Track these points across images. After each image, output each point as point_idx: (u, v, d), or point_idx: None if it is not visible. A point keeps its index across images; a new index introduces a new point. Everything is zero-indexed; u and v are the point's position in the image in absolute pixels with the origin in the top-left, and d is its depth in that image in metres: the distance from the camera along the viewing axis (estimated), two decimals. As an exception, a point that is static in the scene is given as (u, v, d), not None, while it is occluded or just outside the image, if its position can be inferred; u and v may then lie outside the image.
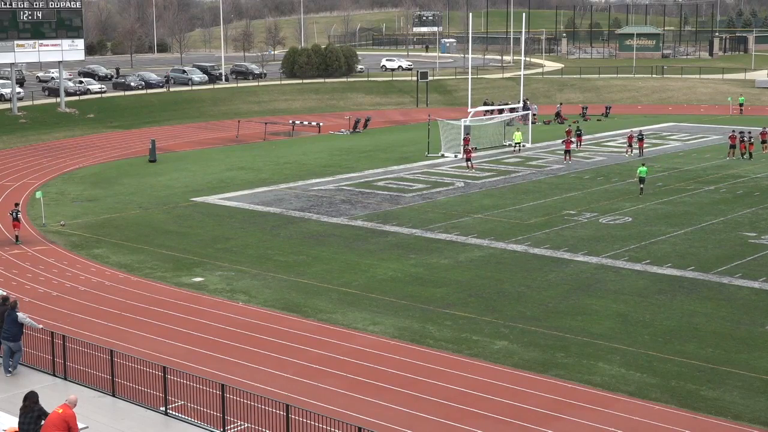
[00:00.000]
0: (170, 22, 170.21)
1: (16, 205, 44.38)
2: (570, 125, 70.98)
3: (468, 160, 61.93)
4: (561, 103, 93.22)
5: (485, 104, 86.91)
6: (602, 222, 45.52)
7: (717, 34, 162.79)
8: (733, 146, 65.62)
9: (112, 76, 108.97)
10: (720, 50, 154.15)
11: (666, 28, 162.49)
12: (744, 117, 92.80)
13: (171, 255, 40.01)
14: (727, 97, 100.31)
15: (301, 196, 52.67)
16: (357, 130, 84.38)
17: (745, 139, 65.82)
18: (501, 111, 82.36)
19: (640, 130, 73.05)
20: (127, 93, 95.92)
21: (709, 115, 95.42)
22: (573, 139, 66.46)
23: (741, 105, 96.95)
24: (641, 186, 52.46)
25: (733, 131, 67.20)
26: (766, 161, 63.89)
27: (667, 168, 61.16)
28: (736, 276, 35.83)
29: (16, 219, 42.73)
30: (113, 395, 24.05)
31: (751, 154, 65.12)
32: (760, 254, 39.09)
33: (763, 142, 67.46)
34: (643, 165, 54.08)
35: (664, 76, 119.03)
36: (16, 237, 42.72)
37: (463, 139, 66.38)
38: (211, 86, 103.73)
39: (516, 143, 69.34)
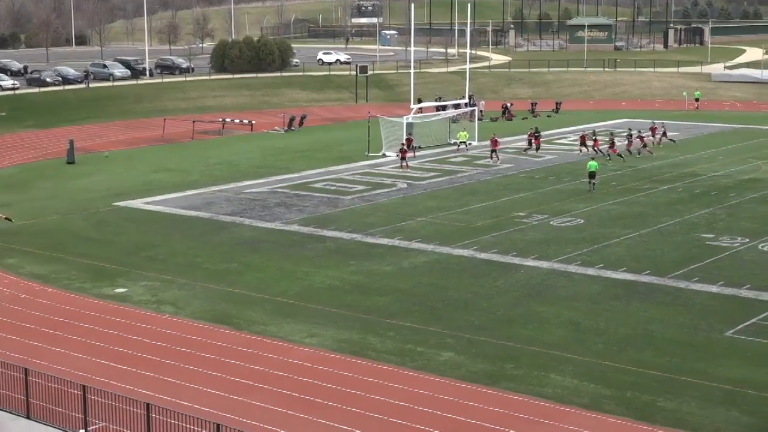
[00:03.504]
0: (89, 12, 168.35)
1: None
2: (530, 128, 71.23)
3: (403, 159, 61.99)
4: (511, 103, 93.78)
5: (419, 101, 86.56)
6: (553, 224, 45.87)
7: (672, 25, 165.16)
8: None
9: (24, 72, 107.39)
10: (675, 42, 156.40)
11: (619, 19, 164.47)
12: (700, 112, 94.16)
13: (91, 264, 39.53)
14: (683, 91, 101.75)
15: (232, 200, 52.37)
16: (292, 128, 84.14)
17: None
18: (444, 107, 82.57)
19: (594, 129, 73.82)
20: (43, 89, 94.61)
21: (665, 110, 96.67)
22: (498, 139, 66.30)
23: (697, 100, 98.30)
24: (591, 181, 53.31)
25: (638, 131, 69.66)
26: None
27: (621, 166, 61.83)
28: (693, 280, 36.30)
29: None
30: (27, 417, 23.66)
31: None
32: (718, 257, 39.66)
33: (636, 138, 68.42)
34: (594, 159, 55.02)
35: (617, 69, 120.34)
36: None
37: (405, 139, 66.39)
38: (134, 82, 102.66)
39: (461, 142, 69.67)
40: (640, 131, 69.86)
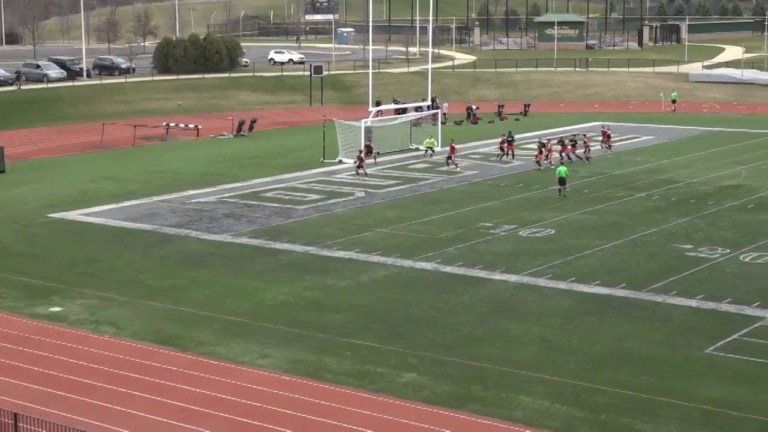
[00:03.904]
0: (21, 8, 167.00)
1: None
2: (503, 134, 70.67)
3: (360, 166, 61.92)
4: (477, 106, 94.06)
5: (377, 104, 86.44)
6: (522, 235, 46.04)
7: (647, 22, 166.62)
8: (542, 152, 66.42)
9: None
10: (650, 40, 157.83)
11: (590, 16, 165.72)
12: (677, 115, 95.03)
13: (23, 281, 39.15)
14: (659, 92, 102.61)
15: (177, 211, 52.14)
16: (242, 133, 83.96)
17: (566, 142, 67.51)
18: (404, 110, 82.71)
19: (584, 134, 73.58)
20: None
21: (640, 112, 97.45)
22: (456, 146, 66.11)
23: (674, 101, 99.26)
24: (561, 187, 54.02)
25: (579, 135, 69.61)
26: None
27: (594, 173, 62.20)
28: (671, 294, 36.54)
29: None
30: (-46, 448, 23.40)
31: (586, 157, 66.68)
32: (697, 269, 39.96)
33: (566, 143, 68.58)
34: (563, 164, 55.59)
35: (589, 69, 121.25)
36: None
37: (364, 146, 66.33)
38: (70, 83, 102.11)
39: (428, 148, 69.25)
40: (585, 135, 70.05)
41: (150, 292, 37.59)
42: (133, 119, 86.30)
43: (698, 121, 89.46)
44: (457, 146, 65.81)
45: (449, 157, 64.33)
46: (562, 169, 54.77)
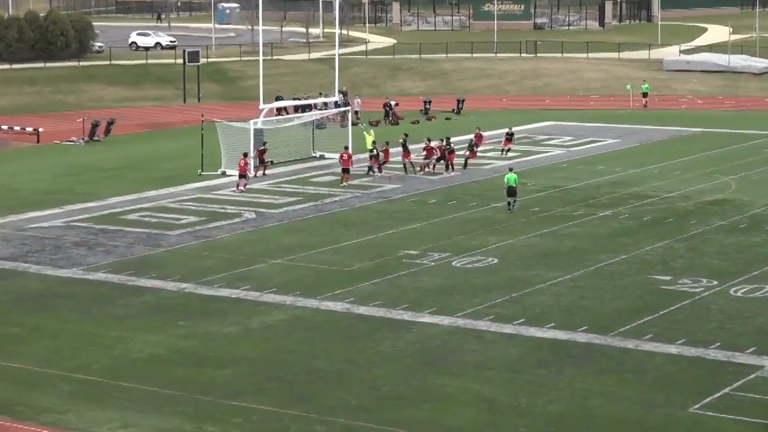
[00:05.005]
0: None
1: None
2: (441, 139, 69.31)
3: (242, 176, 61.56)
4: (396, 102, 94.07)
5: (278, 99, 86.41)
6: (456, 265, 46.17)
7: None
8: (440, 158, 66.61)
9: None
10: (614, 18, 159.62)
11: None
12: (649, 112, 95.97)
13: None
14: (626, 84, 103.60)
15: (11, 238, 51.58)
16: (96, 138, 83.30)
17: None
18: (305, 108, 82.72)
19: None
20: None
21: (602, 109, 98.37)
22: (346, 156, 65.70)
23: (645, 95, 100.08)
24: (510, 200, 54.88)
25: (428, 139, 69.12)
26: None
27: (546, 186, 62.60)
28: (645, 338, 36.83)
29: None
30: None
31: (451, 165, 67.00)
32: (677, 306, 40.33)
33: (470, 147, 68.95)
34: (512, 170, 55.80)
35: (539, 55, 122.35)
36: None
37: (258, 151, 66.04)
38: None
39: (371, 151, 66.85)
40: (437, 140, 69.05)
41: (-23, 344, 37.11)
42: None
43: (675, 120, 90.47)
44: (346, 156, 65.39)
45: (345, 170, 63.31)
46: (511, 177, 54.80)
